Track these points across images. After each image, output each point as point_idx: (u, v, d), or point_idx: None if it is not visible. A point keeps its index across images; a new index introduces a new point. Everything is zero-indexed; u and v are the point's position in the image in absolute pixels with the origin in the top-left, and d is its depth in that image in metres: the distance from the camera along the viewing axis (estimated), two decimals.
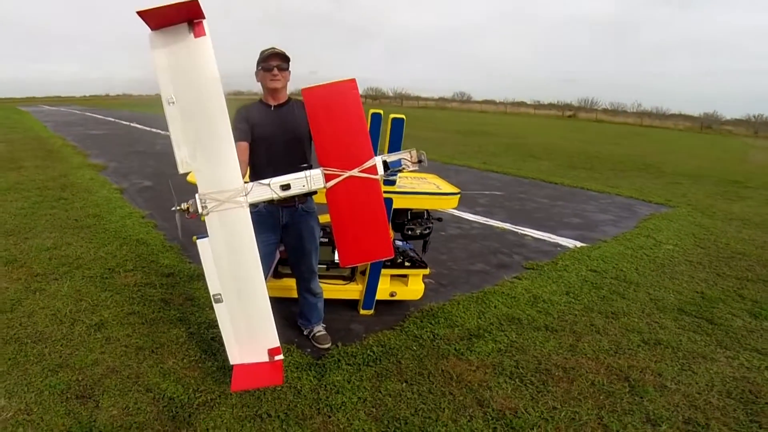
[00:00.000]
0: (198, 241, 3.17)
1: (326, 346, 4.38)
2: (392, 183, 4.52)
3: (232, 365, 3.34)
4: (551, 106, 77.31)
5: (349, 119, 3.23)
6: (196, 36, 3.00)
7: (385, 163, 3.26)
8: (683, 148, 27.48)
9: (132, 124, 28.25)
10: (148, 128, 25.40)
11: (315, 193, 3.77)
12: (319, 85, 3.26)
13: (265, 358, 3.33)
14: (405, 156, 3.33)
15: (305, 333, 4.56)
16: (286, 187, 3.23)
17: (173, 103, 3.05)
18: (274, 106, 3.88)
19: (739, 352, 4.50)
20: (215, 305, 3.24)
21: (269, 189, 3.21)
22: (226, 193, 3.10)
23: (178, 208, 3.16)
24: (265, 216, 3.94)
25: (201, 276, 3.25)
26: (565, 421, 3.49)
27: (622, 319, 5.06)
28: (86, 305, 4.86)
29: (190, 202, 3.13)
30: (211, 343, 4.16)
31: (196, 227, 3.25)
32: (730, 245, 7.86)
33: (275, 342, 3.32)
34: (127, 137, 21.51)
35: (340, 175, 3.19)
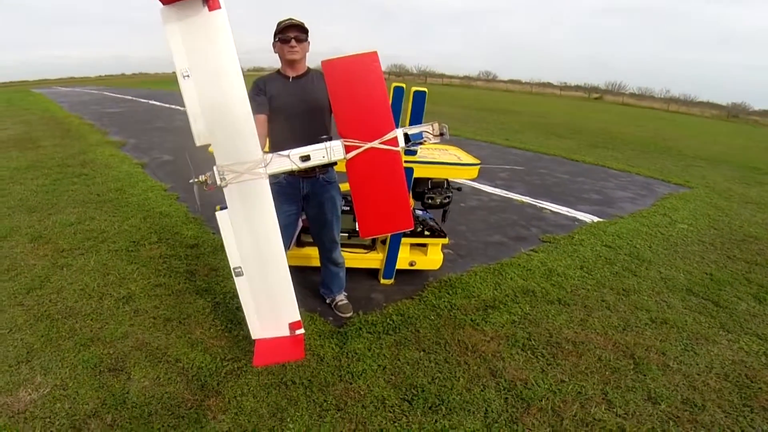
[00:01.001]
0: (217, 214, 3.20)
1: (348, 315, 4.49)
2: (413, 153, 4.56)
3: (254, 340, 3.40)
4: (578, 87, 76.35)
5: (370, 91, 3.19)
6: (210, 9, 2.96)
7: (406, 135, 3.25)
8: (707, 134, 27.09)
9: (150, 102, 28.00)
10: (167, 105, 25.24)
11: (335, 164, 3.77)
12: (339, 57, 3.21)
13: (287, 333, 3.37)
14: (426, 128, 3.31)
15: (327, 301, 4.66)
16: (305, 158, 3.23)
17: (188, 76, 3.03)
18: (293, 78, 3.84)
19: (740, 336, 4.57)
20: (236, 279, 3.28)
21: (289, 160, 3.20)
22: (245, 164, 3.11)
23: (195, 180, 3.18)
24: (285, 187, 3.96)
25: (224, 247, 3.29)
26: (572, 395, 3.59)
27: (632, 297, 5.15)
28: (113, 279, 4.97)
29: (208, 174, 3.14)
30: (237, 313, 4.23)
31: (217, 200, 3.25)
32: (743, 228, 7.89)
33: (296, 316, 3.36)
34: (146, 114, 21.38)
35: (360, 147, 3.18)
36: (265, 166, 3.15)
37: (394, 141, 3.19)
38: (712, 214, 8.61)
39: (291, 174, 3.74)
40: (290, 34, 3.69)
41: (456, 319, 4.47)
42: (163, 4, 2.93)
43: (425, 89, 4.19)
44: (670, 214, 8.33)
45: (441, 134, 3.33)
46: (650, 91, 75.19)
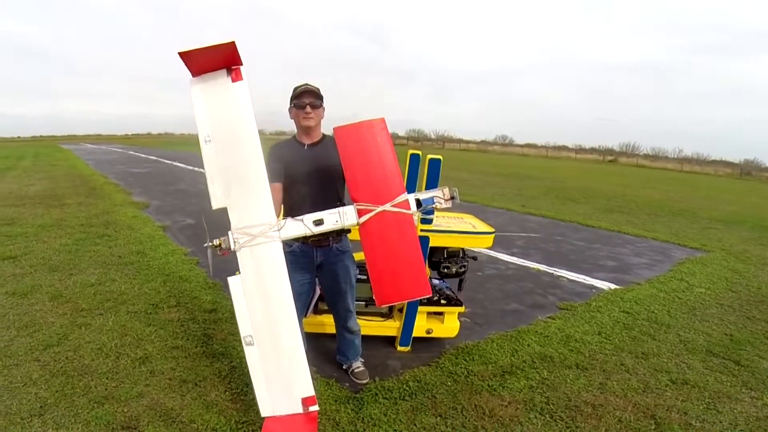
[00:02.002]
0: (229, 279, 3.20)
1: (364, 381, 4.45)
2: (429, 222, 4.59)
3: (263, 417, 3.31)
4: (592, 150, 77.06)
5: (380, 156, 3.31)
6: (233, 81, 3.18)
7: (417, 200, 3.30)
8: (720, 193, 27.14)
9: (174, 163, 28.45)
10: (190, 167, 25.59)
11: (349, 231, 3.88)
12: (349, 124, 3.36)
13: (299, 409, 3.26)
14: (437, 193, 3.37)
15: (344, 368, 4.63)
16: (319, 222, 3.28)
17: (209, 141, 3.18)
18: (308, 145, 3.91)
19: (763, 393, 4.54)
20: (246, 348, 3.23)
21: (302, 225, 3.25)
22: (259, 227, 3.15)
23: (210, 244, 3.20)
24: (299, 256, 3.98)
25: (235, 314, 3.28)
26: None
27: (651, 359, 5.09)
28: (131, 339, 4.99)
29: (223, 238, 3.18)
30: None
31: (235, 266, 3.25)
32: (762, 290, 7.83)
33: (310, 390, 3.26)
34: (170, 176, 21.72)
35: (372, 210, 3.22)
36: (278, 230, 3.18)
37: (405, 204, 3.25)
38: (729, 277, 8.56)
39: (304, 243, 3.83)
40: (305, 100, 3.75)
41: (473, 384, 4.43)
42: (193, 75, 3.15)
43: (440, 157, 4.25)
44: (687, 279, 8.26)
45: (452, 198, 3.38)
46: (663, 151, 76.31)
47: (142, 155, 35.01)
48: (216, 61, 3.15)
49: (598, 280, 8.09)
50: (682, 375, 4.80)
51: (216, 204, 3.19)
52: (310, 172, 3.82)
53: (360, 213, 3.26)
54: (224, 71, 3.21)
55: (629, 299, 6.99)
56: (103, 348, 4.78)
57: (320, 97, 3.82)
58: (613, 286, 7.75)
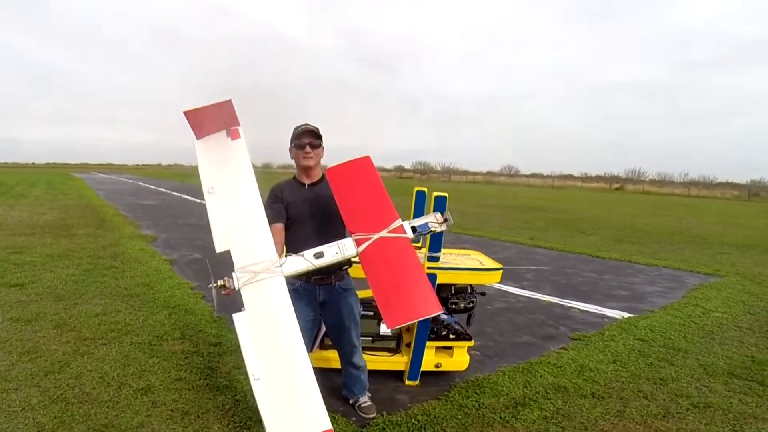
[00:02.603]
0: (234, 316, 3.13)
1: (372, 415, 4.37)
2: (436, 259, 4.62)
3: None
4: (599, 178, 77.75)
5: (370, 189, 3.52)
6: (232, 139, 3.53)
7: (413, 227, 3.38)
8: (730, 217, 27.28)
9: (183, 196, 28.76)
10: (198, 200, 25.68)
11: (350, 265, 3.93)
12: (339, 164, 3.63)
13: None
14: (431, 219, 3.46)
15: (351, 402, 4.55)
16: (319, 255, 3.31)
17: (212, 192, 3.39)
18: (308, 185, 4.00)
19: None
20: (254, 384, 3.02)
21: (303, 260, 3.29)
22: (261, 264, 3.17)
23: (214, 284, 3.19)
24: (302, 294, 3.97)
25: (242, 352, 3.17)
26: None
27: (670, 385, 4.99)
28: (133, 370, 4.94)
29: (226, 278, 3.18)
30: (257, 411, 4.13)
31: (238, 301, 3.18)
32: None
33: (327, 424, 2.97)
34: (179, 208, 22.03)
35: (369, 238, 3.27)
36: (280, 266, 3.22)
37: (400, 229, 3.33)
38: (746, 300, 8.51)
39: (307, 281, 3.88)
40: (305, 140, 3.88)
41: (484, 417, 4.33)
42: (197, 138, 3.51)
43: (446, 194, 4.29)
44: (703, 304, 8.18)
45: (445, 220, 3.48)
46: (669, 176, 77.23)
47: (152, 186, 35.40)
48: (216, 123, 3.50)
49: (610, 310, 7.99)
50: (704, 398, 4.71)
51: (220, 248, 3.26)
52: (311, 212, 3.94)
53: (358, 243, 3.31)
54: (224, 131, 3.55)
55: (644, 327, 6.88)
56: (105, 377, 4.76)
57: (320, 137, 3.93)
58: (626, 315, 7.65)
